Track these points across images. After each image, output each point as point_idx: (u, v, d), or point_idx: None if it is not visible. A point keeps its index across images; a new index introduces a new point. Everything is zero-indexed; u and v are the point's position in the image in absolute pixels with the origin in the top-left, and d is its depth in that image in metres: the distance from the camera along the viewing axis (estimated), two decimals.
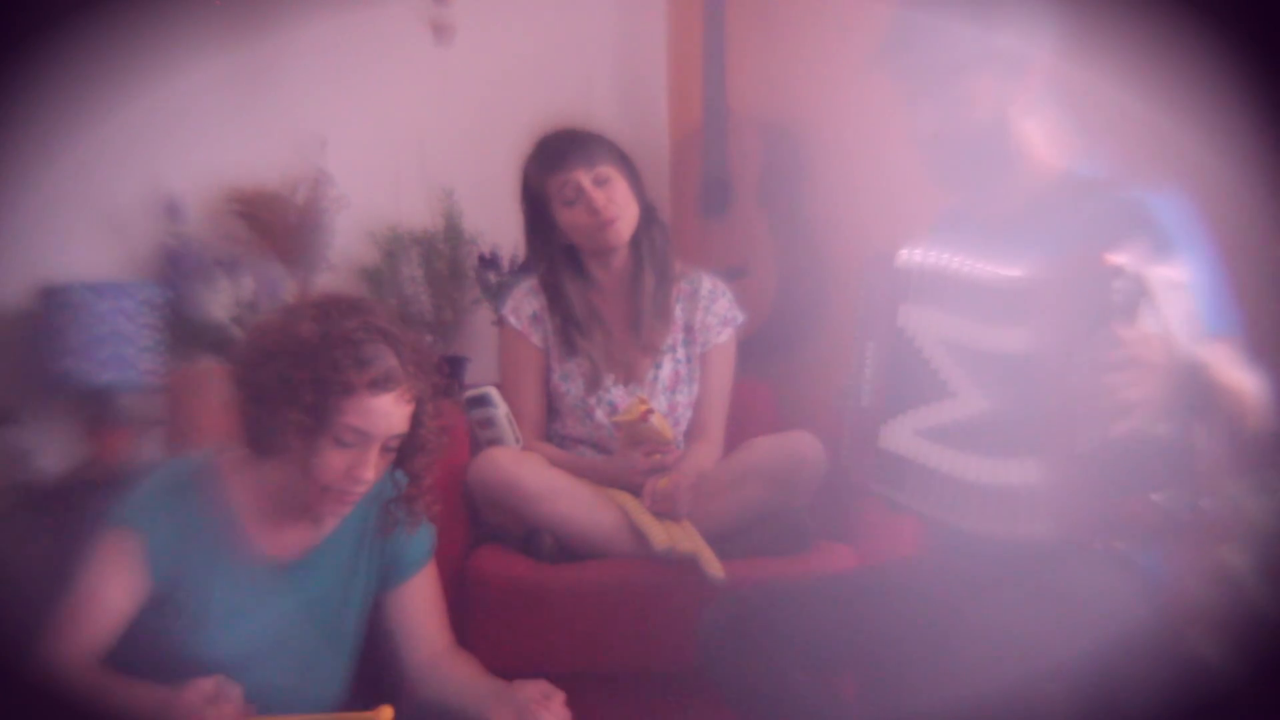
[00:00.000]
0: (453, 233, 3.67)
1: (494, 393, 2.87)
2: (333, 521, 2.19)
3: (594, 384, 2.94)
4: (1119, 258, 1.76)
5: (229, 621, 2.11)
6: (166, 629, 2.08)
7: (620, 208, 2.91)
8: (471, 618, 2.62)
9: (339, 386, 2.00)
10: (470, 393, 2.89)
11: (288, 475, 2.08)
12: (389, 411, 2.04)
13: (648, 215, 3.00)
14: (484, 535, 2.82)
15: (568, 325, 2.97)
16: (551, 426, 3.00)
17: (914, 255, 2.02)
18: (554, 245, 2.99)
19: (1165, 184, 1.97)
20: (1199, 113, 2.28)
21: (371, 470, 2.06)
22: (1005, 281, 1.90)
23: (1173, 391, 1.76)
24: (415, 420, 2.10)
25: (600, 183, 2.91)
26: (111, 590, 2.05)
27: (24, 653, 2.03)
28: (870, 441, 2.07)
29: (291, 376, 2.00)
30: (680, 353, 3.00)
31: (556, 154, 2.94)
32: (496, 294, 3.48)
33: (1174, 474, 1.77)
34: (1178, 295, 1.79)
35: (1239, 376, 1.83)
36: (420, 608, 2.28)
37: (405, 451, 2.13)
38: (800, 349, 3.58)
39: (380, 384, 2.02)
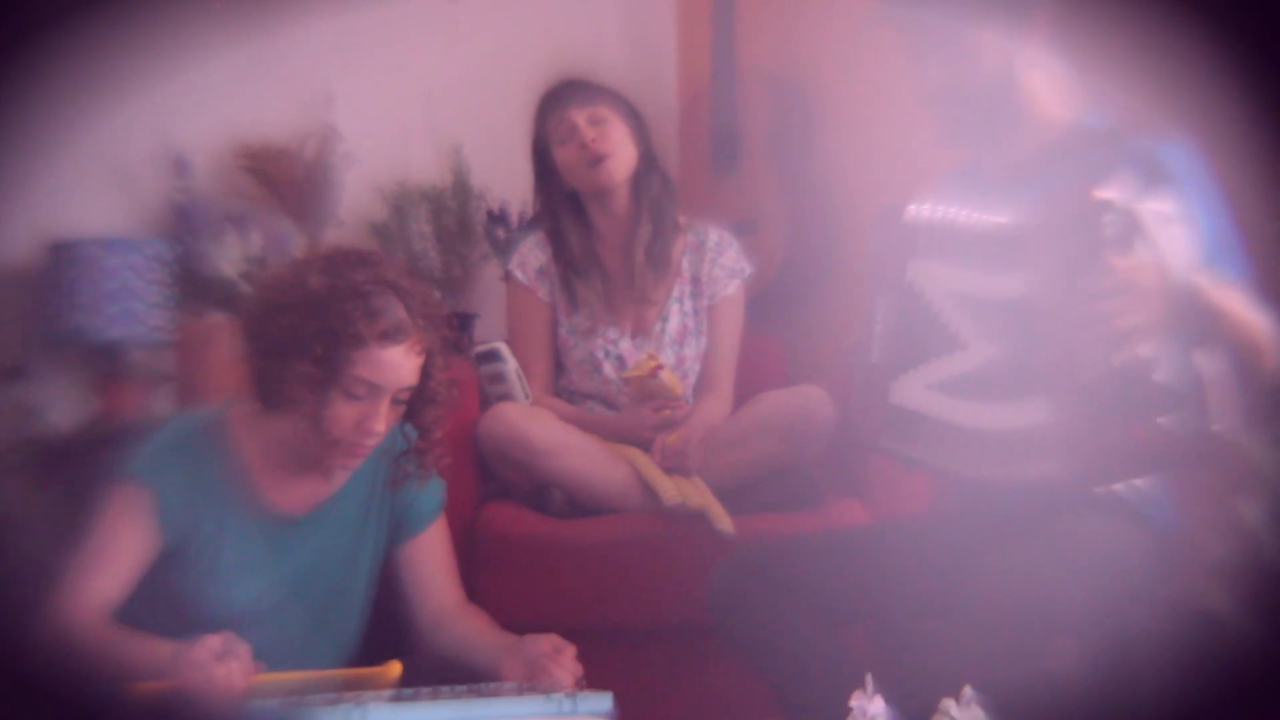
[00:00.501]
0: (461, 188, 3.66)
1: (503, 348, 2.86)
2: (343, 475, 2.19)
3: (590, 331, 2.94)
4: (1108, 193, 1.76)
5: (239, 576, 2.11)
6: (177, 584, 2.08)
7: (613, 145, 2.91)
8: (481, 573, 2.62)
9: (349, 338, 2.00)
10: (480, 348, 2.89)
11: (297, 429, 2.08)
12: (399, 363, 2.04)
13: (648, 163, 2.99)
14: (494, 491, 2.83)
15: (568, 273, 2.97)
16: (560, 382, 3.00)
17: (922, 210, 2.02)
18: (557, 192, 2.99)
19: (1173, 133, 1.96)
20: (1206, 63, 2.26)
21: (382, 423, 2.06)
22: (1000, 228, 1.91)
23: (1171, 317, 1.76)
24: (425, 372, 2.10)
25: (595, 122, 2.91)
26: (122, 545, 2.05)
27: (34, 608, 2.04)
28: (881, 398, 2.06)
29: (301, 329, 2.01)
30: (688, 305, 2.99)
31: (555, 94, 2.97)
32: (505, 250, 3.46)
33: (1178, 399, 1.77)
34: (1171, 228, 1.79)
35: (1248, 313, 1.83)
36: (431, 562, 2.28)
37: (415, 404, 2.13)
38: (810, 304, 3.57)
39: (390, 335, 2.02)
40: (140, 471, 2.08)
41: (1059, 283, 1.81)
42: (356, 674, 2.00)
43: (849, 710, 1.61)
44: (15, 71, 2.93)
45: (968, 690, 1.59)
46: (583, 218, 3.00)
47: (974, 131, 2.13)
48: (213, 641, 1.85)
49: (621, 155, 2.93)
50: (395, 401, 2.08)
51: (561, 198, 2.99)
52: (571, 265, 2.97)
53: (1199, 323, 1.79)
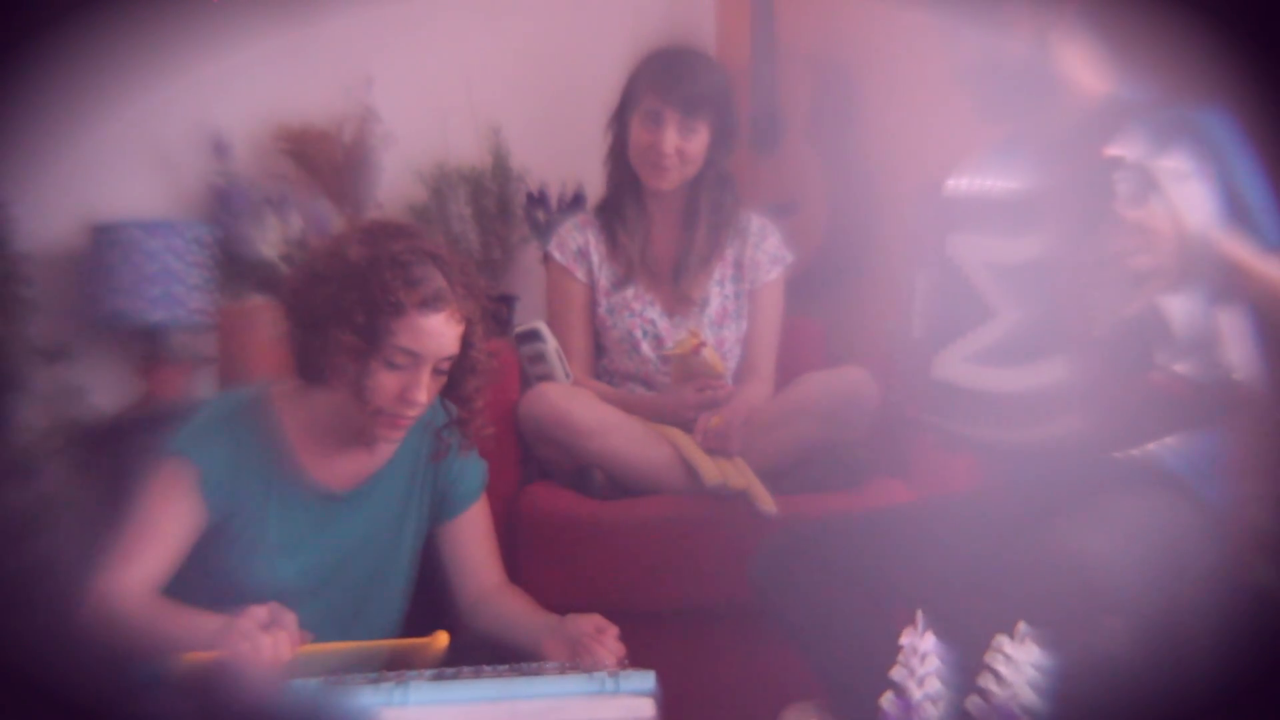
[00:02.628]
0: (500, 170, 3.66)
1: (544, 327, 2.85)
2: (386, 451, 2.19)
3: (631, 313, 2.93)
4: (1118, 150, 1.76)
5: (282, 552, 2.12)
6: (220, 560, 2.09)
7: (682, 162, 2.87)
8: (523, 554, 2.62)
9: (389, 307, 2.00)
10: (520, 328, 2.89)
11: (339, 403, 2.09)
12: (439, 331, 2.04)
13: (720, 178, 2.95)
14: (535, 472, 2.82)
15: (616, 250, 2.95)
16: (599, 363, 2.99)
17: (960, 183, 2.01)
18: (624, 165, 2.94)
19: (1210, 102, 1.94)
20: (1239, 32, 2.24)
21: (424, 392, 2.06)
22: (1018, 192, 1.91)
23: (1186, 268, 1.75)
24: (466, 342, 2.10)
25: (685, 132, 2.85)
26: (168, 521, 2.06)
27: (79, 586, 2.04)
28: (923, 373, 2.05)
29: (342, 299, 2.01)
30: (729, 288, 2.98)
31: (669, 73, 2.87)
32: (545, 232, 3.46)
33: (1194, 346, 1.75)
34: (1187, 184, 1.78)
35: (1271, 268, 1.81)
36: (472, 541, 2.28)
37: (456, 374, 2.13)
38: (851, 285, 3.55)
39: (430, 303, 2.02)
40: (184, 447, 2.08)
41: (1073, 240, 1.80)
42: (403, 644, 2.00)
43: (892, 687, 1.60)
44: (57, 56, 2.94)
45: (1022, 626, 1.57)
46: (639, 197, 2.97)
47: (1010, 106, 2.12)
48: (259, 611, 1.85)
49: (685, 171, 2.89)
50: (436, 372, 2.08)
51: (627, 173, 2.96)
52: (618, 242, 2.95)
53: (1216, 275, 1.77)
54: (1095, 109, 2.07)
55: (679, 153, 2.86)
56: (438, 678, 1.83)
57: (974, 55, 2.09)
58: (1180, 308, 1.76)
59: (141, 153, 3.41)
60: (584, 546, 2.64)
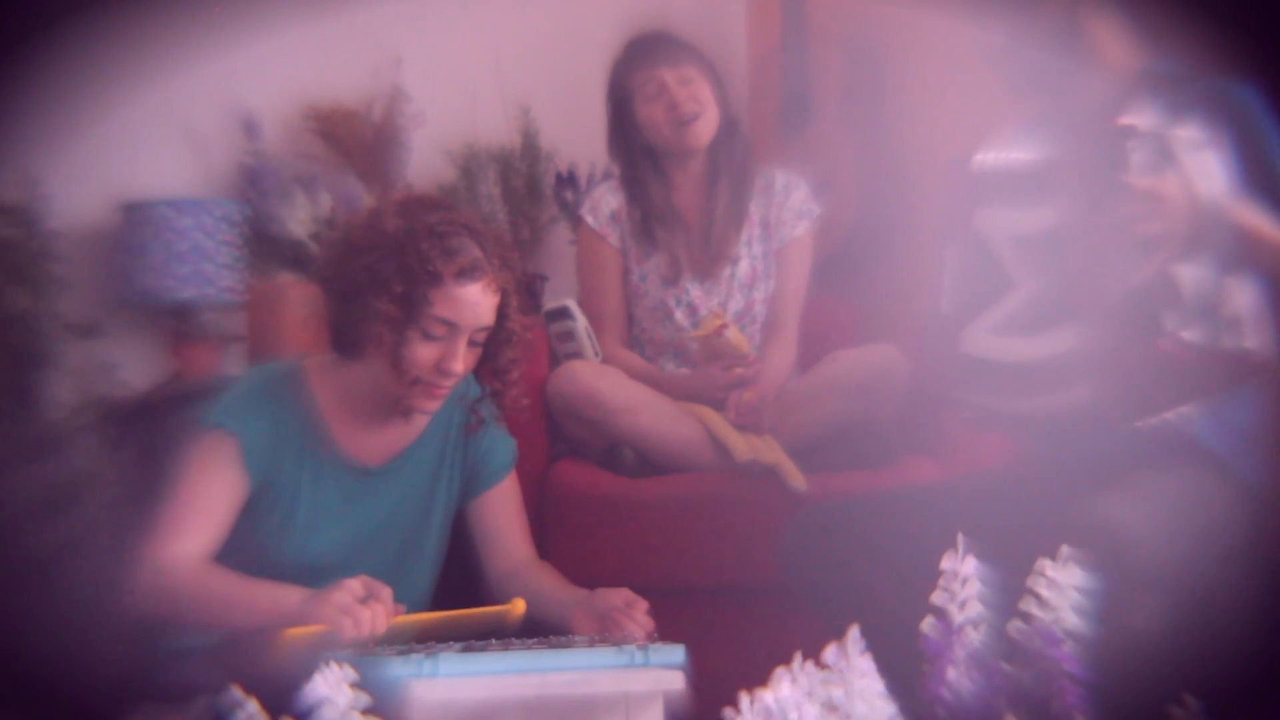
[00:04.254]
0: (530, 150, 3.66)
1: (573, 305, 2.85)
2: (422, 420, 2.20)
3: (674, 279, 2.93)
4: (1132, 119, 1.77)
5: (314, 525, 2.13)
6: (252, 532, 2.09)
7: (701, 105, 2.89)
8: (553, 532, 2.62)
9: (426, 276, 2.01)
10: (550, 305, 2.89)
11: (374, 376, 2.09)
12: (476, 301, 2.05)
13: (730, 126, 2.97)
14: (564, 449, 2.82)
15: (649, 219, 2.95)
16: (632, 332, 2.99)
17: (987, 159, 2.00)
18: (635, 145, 2.96)
19: (1240, 75, 1.93)
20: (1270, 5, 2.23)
21: (460, 363, 2.07)
22: (1035, 162, 1.92)
23: (1197, 236, 1.74)
24: (501, 313, 2.11)
25: (684, 82, 2.89)
26: (215, 492, 2.07)
27: (111, 561, 2.05)
28: (952, 348, 2.05)
29: (379, 268, 2.02)
30: (756, 249, 2.97)
31: (643, 50, 2.94)
32: (573, 212, 3.46)
33: (1202, 314, 1.74)
34: (1201, 154, 1.77)
35: None
36: (502, 517, 2.29)
37: (491, 346, 2.14)
38: (882, 265, 3.54)
39: (467, 273, 2.03)
40: (223, 419, 2.09)
41: (1086, 207, 1.81)
42: (485, 612, 2.03)
43: (924, 670, 1.58)
44: (88, 36, 2.95)
45: (1065, 549, 1.55)
46: (660, 171, 2.98)
47: (1040, 83, 2.11)
48: (354, 585, 1.87)
49: (708, 115, 2.91)
50: (472, 342, 2.09)
51: (638, 150, 2.97)
52: (652, 213, 2.95)
53: (1228, 243, 1.76)
54: (1124, 84, 2.06)
55: (693, 100, 2.88)
56: (467, 649, 1.83)
57: (1004, 33, 2.07)
58: (1191, 276, 1.76)
59: (172, 131, 3.42)
60: (613, 524, 2.64)
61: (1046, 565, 1.52)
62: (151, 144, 3.38)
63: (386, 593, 1.89)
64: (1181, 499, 1.90)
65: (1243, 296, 1.77)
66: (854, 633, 1.48)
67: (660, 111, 2.89)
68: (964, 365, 2.02)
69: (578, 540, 2.63)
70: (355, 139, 3.52)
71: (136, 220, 3.27)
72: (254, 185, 3.43)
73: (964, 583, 1.53)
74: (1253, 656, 1.68)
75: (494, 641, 1.88)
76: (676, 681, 1.78)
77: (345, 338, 2.10)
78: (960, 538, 1.55)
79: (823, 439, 2.72)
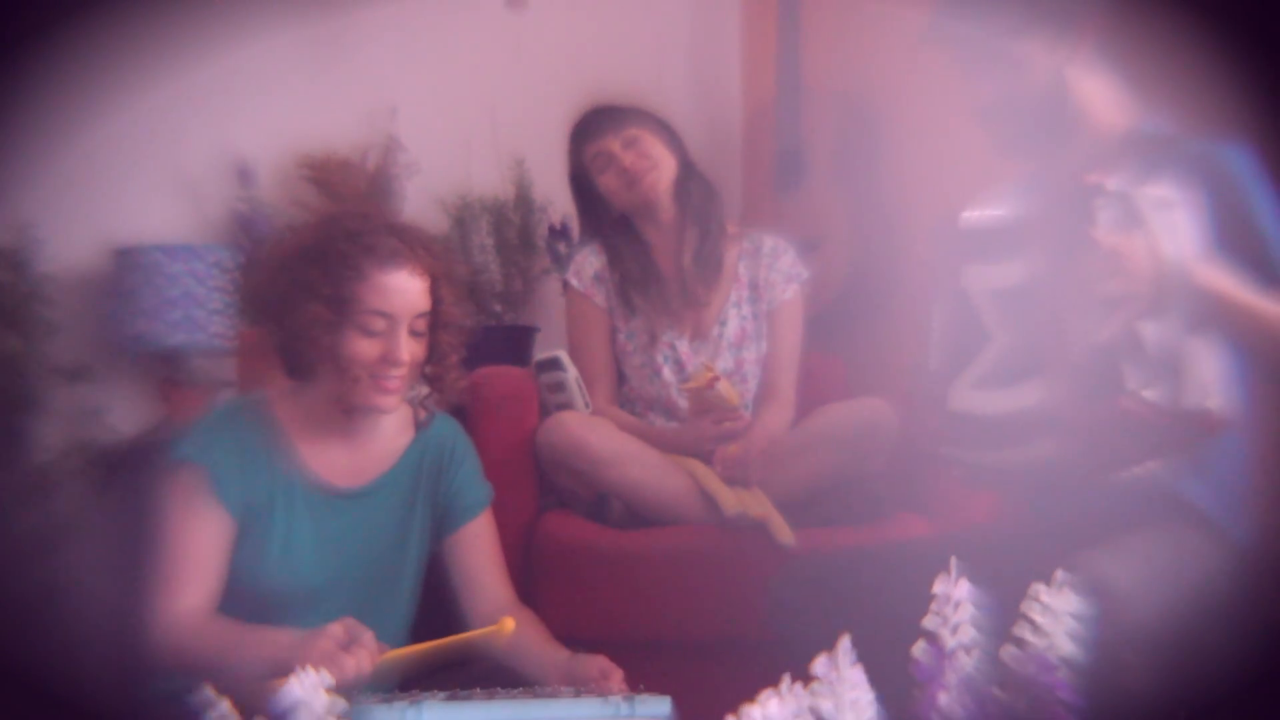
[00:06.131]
0: (523, 201, 3.67)
1: (564, 356, 2.86)
2: (394, 444, 2.24)
3: (651, 341, 2.95)
4: (1100, 177, 1.77)
5: (292, 548, 2.14)
6: (234, 558, 2.11)
7: (652, 161, 2.95)
8: (539, 583, 2.61)
9: (350, 273, 2.07)
10: (540, 356, 2.89)
11: (329, 391, 2.14)
12: (404, 288, 2.11)
13: (687, 170, 3.01)
14: (552, 500, 2.81)
15: (625, 284, 2.98)
16: (621, 390, 2.99)
17: (973, 216, 2.01)
18: (605, 216, 3.03)
19: (1229, 137, 1.94)
20: (1256, 67, 2.25)
21: (404, 351, 2.11)
22: (1007, 218, 1.91)
23: (1162, 296, 1.74)
24: (435, 298, 2.16)
25: (629, 144, 2.95)
26: (203, 538, 2.09)
27: (101, 606, 2.05)
28: (940, 405, 2.05)
29: (304, 276, 2.09)
30: (746, 309, 2.99)
31: (585, 128, 3.02)
32: (566, 264, 3.46)
33: (1163, 373, 1.75)
34: (1170, 213, 1.78)
35: (1257, 300, 1.82)
36: (479, 556, 2.29)
37: (430, 334, 2.18)
38: (873, 322, 3.54)
39: (388, 261, 2.10)
40: (190, 452, 2.12)
41: (1054, 264, 1.81)
42: (473, 635, 2.03)
43: (925, 636, 1.55)
44: (83, 80, 2.96)
45: (1060, 573, 1.54)
46: (634, 234, 3.03)
47: (1029, 142, 2.12)
48: (335, 630, 1.89)
49: (662, 168, 2.96)
50: (413, 332, 2.13)
51: (610, 220, 3.03)
52: (628, 278, 2.98)
53: (1193, 303, 1.77)
54: (1114, 144, 2.07)
55: (642, 158, 2.94)
56: (451, 698, 1.82)
57: (993, 93, 2.09)
58: (1155, 334, 1.76)
59: (165, 177, 3.42)
60: (601, 576, 2.63)
61: (1042, 591, 1.51)
62: (144, 189, 3.39)
63: (368, 636, 1.89)
64: (1171, 556, 1.90)
65: (1207, 356, 1.77)
66: (844, 643, 1.47)
67: (613, 179, 2.96)
68: (952, 422, 2.02)
69: (565, 591, 2.62)
70: (349, 188, 3.52)
71: (128, 265, 3.26)
72: (246, 232, 3.44)
73: (956, 607, 1.52)
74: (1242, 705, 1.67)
75: (479, 690, 1.87)
76: None
77: (294, 360, 2.15)
78: (953, 560, 1.54)
79: (812, 493, 2.71)
